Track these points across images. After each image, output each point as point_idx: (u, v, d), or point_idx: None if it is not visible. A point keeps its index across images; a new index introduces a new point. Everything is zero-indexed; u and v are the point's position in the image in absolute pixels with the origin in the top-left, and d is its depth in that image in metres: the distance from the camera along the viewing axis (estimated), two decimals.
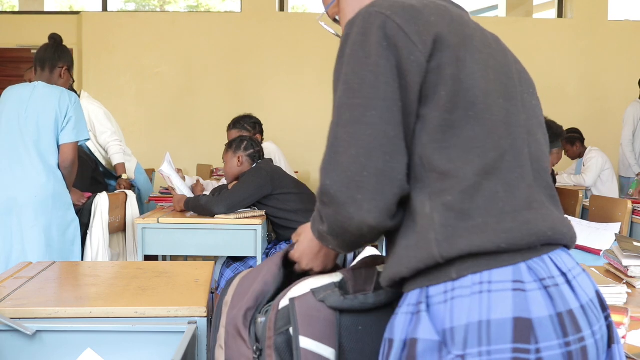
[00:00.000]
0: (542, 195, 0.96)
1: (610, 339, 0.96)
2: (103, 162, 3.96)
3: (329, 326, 1.01)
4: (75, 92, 3.34)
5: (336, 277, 1.06)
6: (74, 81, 3.34)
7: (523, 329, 0.85)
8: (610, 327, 0.96)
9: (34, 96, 2.89)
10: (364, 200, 0.90)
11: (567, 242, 0.96)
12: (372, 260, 1.15)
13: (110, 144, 3.89)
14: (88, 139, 3.03)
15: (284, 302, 1.04)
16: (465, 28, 0.98)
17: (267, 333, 1.03)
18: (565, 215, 1.00)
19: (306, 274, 1.18)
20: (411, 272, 0.92)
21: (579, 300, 0.91)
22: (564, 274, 0.92)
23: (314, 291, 1.03)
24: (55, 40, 3.10)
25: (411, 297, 0.93)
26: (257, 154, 3.41)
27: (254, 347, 1.05)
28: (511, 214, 0.91)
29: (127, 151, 4.07)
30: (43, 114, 2.87)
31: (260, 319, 1.08)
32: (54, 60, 3.02)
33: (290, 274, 1.19)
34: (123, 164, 3.94)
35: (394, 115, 0.91)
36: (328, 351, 1.00)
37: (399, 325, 0.93)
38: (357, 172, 0.90)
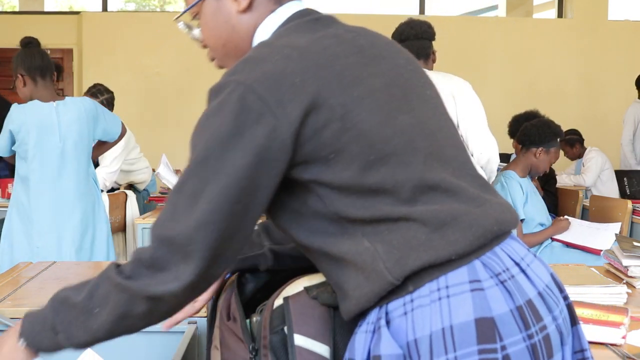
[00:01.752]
0: (475, 189, 0.94)
1: (573, 320, 0.96)
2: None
3: (324, 323, 1.01)
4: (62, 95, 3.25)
5: None
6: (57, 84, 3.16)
7: (486, 328, 0.84)
8: (570, 307, 0.96)
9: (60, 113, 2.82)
10: (187, 270, 0.88)
11: (510, 227, 0.94)
12: None
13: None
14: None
15: (278, 301, 1.04)
16: (337, 61, 0.91)
17: (262, 332, 1.03)
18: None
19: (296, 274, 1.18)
20: (373, 303, 0.91)
21: (536, 288, 0.90)
22: (517, 264, 0.91)
23: (307, 289, 1.03)
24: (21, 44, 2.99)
25: (370, 316, 0.92)
26: None
27: (250, 347, 1.05)
28: (452, 223, 0.88)
29: (143, 162, 4.08)
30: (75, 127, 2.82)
31: (256, 318, 1.08)
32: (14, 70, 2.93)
33: (280, 274, 1.19)
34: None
35: (237, 193, 0.87)
36: (323, 348, 1.00)
37: (359, 344, 0.92)
38: (185, 243, 0.87)
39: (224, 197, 0.86)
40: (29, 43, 2.96)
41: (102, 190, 3.32)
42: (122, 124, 3.07)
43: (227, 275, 1.21)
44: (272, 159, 0.87)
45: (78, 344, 0.99)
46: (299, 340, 0.99)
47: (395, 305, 0.89)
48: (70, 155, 2.79)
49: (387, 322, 0.89)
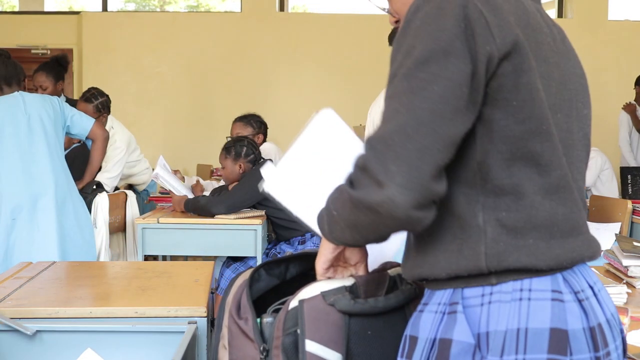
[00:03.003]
0: (584, 217, 0.95)
1: (624, 352, 0.97)
2: None
3: (337, 330, 1.00)
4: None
5: (348, 281, 1.05)
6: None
7: (559, 339, 0.85)
8: (624, 341, 0.97)
9: (26, 101, 2.94)
10: (397, 173, 0.81)
11: (593, 260, 0.96)
12: (382, 266, 1.15)
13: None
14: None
15: (293, 303, 1.03)
16: (539, 34, 0.91)
17: (275, 333, 1.03)
18: None
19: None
20: (449, 277, 0.90)
21: (605, 314, 0.92)
22: (591, 287, 0.92)
23: (324, 294, 1.02)
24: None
25: (441, 296, 0.92)
26: (257, 157, 3.42)
27: (261, 347, 1.05)
28: (560, 240, 0.89)
29: (143, 164, 4.09)
30: (44, 115, 2.93)
31: (267, 319, 1.07)
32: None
33: (303, 277, 1.18)
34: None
35: (456, 99, 0.83)
36: (335, 356, 0.99)
37: (425, 323, 0.91)
38: (399, 142, 0.82)
39: (442, 100, 0.82)
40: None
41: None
42: (100, 125, 3.17)
43: (230, 275, 1.20)
44: (481, 75, 0.85)
45: (336, 239, 0.98)
46: (310, 346, 0.98)
47: (473, 293, 0.89)
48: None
49: (463, 308, 0.89)
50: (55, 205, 2.85)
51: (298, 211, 1.11)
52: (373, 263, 1.14)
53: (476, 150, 0.88)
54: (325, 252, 1.04)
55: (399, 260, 1.07)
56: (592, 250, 0.94)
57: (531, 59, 0.88)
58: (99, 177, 3.53)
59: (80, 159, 3.35)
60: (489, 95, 0.87)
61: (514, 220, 0.88)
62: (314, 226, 1.03)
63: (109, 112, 3.77)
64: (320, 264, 1.05)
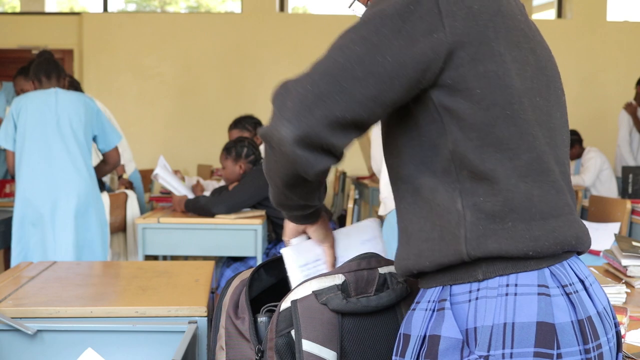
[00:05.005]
0: (569, 199, 0.95)
1: (619, 347, 0.98)
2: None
3: (331, 329, 1.02)
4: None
5: (338, 279, 1.07)
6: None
7: (546, 333, 0.85)
8: (618, 334, 0.98)
9: (59, 100, 2.94)
10: (290, 109, 0.86)
11: (583, 249, 0.96)
12: (375, 262, 1.16)
13: None
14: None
15: (285, 304, 1.04)
16: (510, 20, 0.92)
17: (268, 335, 1.04)
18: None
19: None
20: (434, 266, 0.92)
21: (596, 307, 0.92)
22: (582, 281, 0.92)
23: (316, 293, 1.03)
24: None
25: (431, 294, 0.93)
26: (257, 157, 3.42)
27: (256, 349, 1.06)
28: (540, 222, 0.90)
29: (127, 156, 4.06)
30: (75, 118, 2.94)
31: (261, 319, 1.08)
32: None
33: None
34: (122, 165, 3.95)
35: (373, 64, 0.86)
36: (330, 354, 1.01)
37: (417, 321, 0.93)
38: (304, 84, 0.86)
39: (357, 60, 0.86)
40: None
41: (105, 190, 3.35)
42: (117, 151, 3.22)
43: (230, 275, 1.22)
44: (421, 56, 0.86)
45: (274, 202, 1.06)
46: (307, 345, 1.00)
47: (461, 290, 0.90)
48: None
49: (451, 305, 0.90)
50: (74, 214, 2.87)
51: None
52: (344, 252, 1.20)
53: (447, 139, 0.90)
54: (289, 225, 1.17)
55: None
56: (574, 230, 0.93)
57: (498, 45, 0.89)
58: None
59: None
60: (452, 86, 0.89)
61: (491, 204, 0.89)
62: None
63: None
64: (287, 236, 1.19)
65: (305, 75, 0.88)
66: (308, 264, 1.17)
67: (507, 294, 0.87)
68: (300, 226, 1.16)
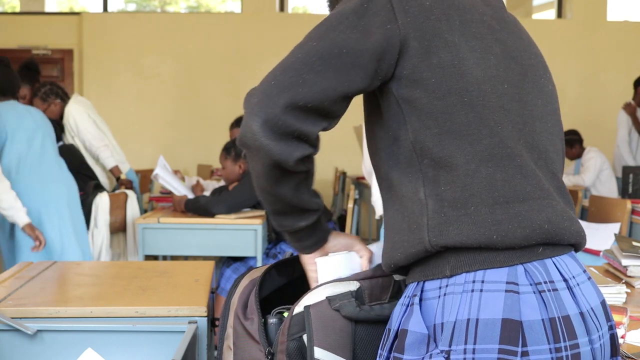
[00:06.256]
0: (545, 186, 0.94)
1: (614, 351, 0.96)
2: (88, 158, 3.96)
3: (344, 336, 1.01)
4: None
5: (353, 285, 1.05)
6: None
7: (511, 330, 0.85)
8: (613, 337, 0.96)
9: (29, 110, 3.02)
10: (256, 104, 0.91)
11: (571, 239, 0.94)
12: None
13: (99, 149, 3.86)
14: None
15: (298, 308, 1.03)
16: (466, 13, 0.95)
17: (280, 338, 1.03)
18: None
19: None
20: (406, 258, 0.93)
21: (579, 307, 0.90)
22: (565, 280, 0.91)
23: (329, 299, 1.02)
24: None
25: (409, 289, 0.95)
26: None
27: (266, 351, 1.05)
28: (503, 205, 0.89)
29: (119, 158, 4.06)
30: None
31: (271, 320, 1.08)
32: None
33: (298, 283, 1.18)
34: (117, 166, 3.95)
35: (331, 57, 0.90)
36: None
37: (394, 316, 0.95)
38: (267, 80, 0.92)
39: (317, 54, 0.90)
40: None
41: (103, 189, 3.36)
42: None
43: (230, 275, 1.21)
44: (376, 47, 0.90)
45: (272, 216, 1.07)
46: (319, 353, 0.99)
47: (432, 286, 0.91)
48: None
49: (421, 300, 0.91)
50: (69, 211, 2.92)
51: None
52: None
53: (408, 130, 0.93)
54: (305, 263, 1.12)
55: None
56: (545, 215, 0.91)
57: (452, 36, 0.92)
58: (105, 162, 3.73)
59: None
60: (408, 77, 0.92)
61: (451, 191, 0.90)
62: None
63: (58, 98, 3.81)
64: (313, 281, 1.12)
65: (268, 74, 0.93)
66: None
67: (472, 290, 0.88)
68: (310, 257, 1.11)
